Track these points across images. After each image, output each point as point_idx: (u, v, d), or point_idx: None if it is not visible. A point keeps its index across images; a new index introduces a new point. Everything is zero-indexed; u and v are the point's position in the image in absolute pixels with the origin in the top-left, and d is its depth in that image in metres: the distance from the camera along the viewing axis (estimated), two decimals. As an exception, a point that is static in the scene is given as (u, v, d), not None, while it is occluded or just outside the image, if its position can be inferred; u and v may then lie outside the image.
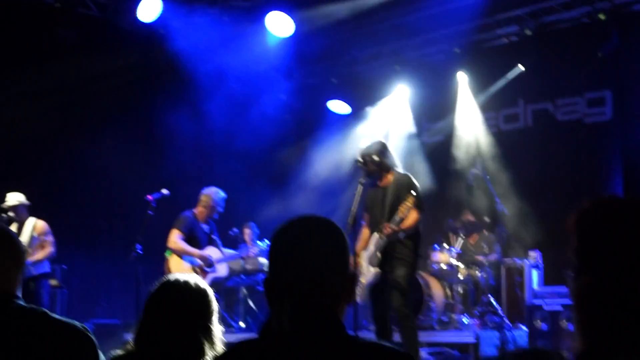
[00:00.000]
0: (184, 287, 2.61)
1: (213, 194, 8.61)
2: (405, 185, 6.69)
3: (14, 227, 8.35)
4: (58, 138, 10.62)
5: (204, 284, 2.68)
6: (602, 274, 1.74)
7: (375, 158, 6.73)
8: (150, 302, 2.59)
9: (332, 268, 1.84)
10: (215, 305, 2.66)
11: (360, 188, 6.61)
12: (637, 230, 1.77)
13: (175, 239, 8.32)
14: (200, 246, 8.45)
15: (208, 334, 2.54)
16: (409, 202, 6.45)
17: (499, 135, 10.83)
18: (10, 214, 8.42)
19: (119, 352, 2.60)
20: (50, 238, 8.66)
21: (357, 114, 11.95)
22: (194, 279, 2.68)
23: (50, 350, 2.28)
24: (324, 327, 1.77)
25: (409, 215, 6.52)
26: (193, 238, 8.42)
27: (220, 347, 2.54)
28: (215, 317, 2.63)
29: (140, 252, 7.80)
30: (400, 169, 6.96)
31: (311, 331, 1.75)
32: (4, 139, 10.03)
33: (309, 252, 1.83)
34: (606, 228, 1.81)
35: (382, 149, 6.84)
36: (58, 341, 2.31)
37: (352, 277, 1.90)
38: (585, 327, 1.66)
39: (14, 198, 8.56)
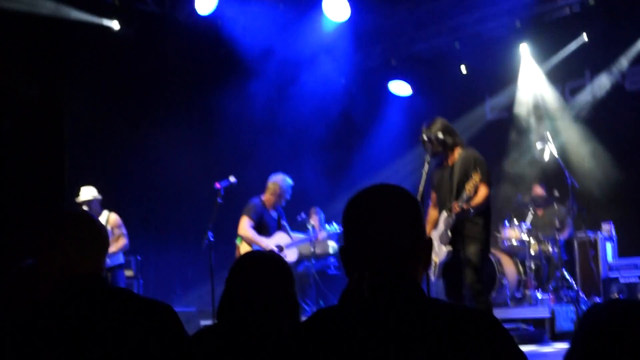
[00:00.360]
0: (265, 257, 2.65)
1: (280, 181, 8.65)
2: (471, 161, 6.59)
3: None
4: (125, 131, 10.83)
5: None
6: None
7: (440, 136, 6.65)
8: (232, 274, 2.63)
9: (408, 234, 1.84)
10: (294, 277, 2.69)
11: (426, 167, 6.55)
12: None
13: (245, 226, 8.41)
14: (269, 232, 8.53)
15: (290, 303, 2.57)
16: (475, 179, 6.34)
17: (566, 107, 10.63)
18: (85, 208, 8.59)
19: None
20: (123, 230, 8.84)
21: (418, 94, 11.89)
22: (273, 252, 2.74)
23: (139, 327, 2.34)
24: (405, 292, 1.76)
25: (478, 192, 6.43)
26: (262, 225, 8.49)
27: (300, 316, 2.57)
28: (295, 288, 2.65)
29: (212, 239, 7.92)
30: (465, 146, 6.87)
31: (392, 297, 1.74)
32: (74, 134, 10.31)
33: (385, 219, 1.82)
34: None
35: (446, 127, 6.75)
36: (147, 319, 2.37)
37: (428, 243, 1.89)
38: None
39: (88, 193, 8.74)
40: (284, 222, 8.81)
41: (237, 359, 2.35)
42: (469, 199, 6.37)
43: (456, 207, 6.39)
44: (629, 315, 1.39)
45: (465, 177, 6.50)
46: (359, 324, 1.73)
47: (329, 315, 1.84)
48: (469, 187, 6.33)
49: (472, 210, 6.45)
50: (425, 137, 6.66)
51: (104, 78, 10.53)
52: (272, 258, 2.65)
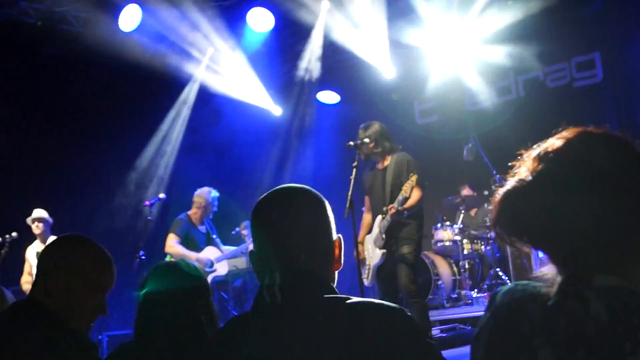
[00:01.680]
0: (172, 267, 2.61)
1: (206, 193, 8.60)
2: (405, 165, 6.64)
3: (38, 245, 8.39)
4: (55, 153, 10.54)
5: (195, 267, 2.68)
6: None
7: (368, 140, 6.67)
8: (141, 288, 2.57)
9: (317, 234, 1.84)
10: (209, 286, 2.65)
11: (354, 172, 6.54)
12: None
13: (171, 243, 8.31)
14: (198, 247, 8.42)
15: (207, 312, 2.53)
16: (412, 181, 6.35)
17: (493, 108, 10.79)
18: (38, 226, 8.38)
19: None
20: None
21: (346, 102, 11.91)
22: (186, 262, 2.69)
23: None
24: (316, 292, 1.74)
25: (412, 195, 6.45)
26: (190, 240, 8.41)
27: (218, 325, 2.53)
28: (211, 297, 2.61)
29: (144, 257, 7.79)
30: (397, 150, 6.88)
31: (303, 298, 1.73)
32: (5, 159, 10.03)
33: (293, 220, 1.82)
34: None
35: (379, 131, 6.77)
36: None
37: (338, 241, 1.88)
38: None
39: (42, 213, 8.55)
40: (214, 236, 8.71)
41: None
42: (405, 200, 6.38)
43: (392, 209, 6.39)
44: (526, 294, 1.41)
45: (398, 180, 6.53)
46: (271, 327, 1.71)
47: (242, 321, 1.82)
48: (406, 188, 6.32)
49: (406, 213, 6.48)
50: (362, 140, 6.65)
51: (32, 99, 10.25)
52: (179, 268, 2.59)
